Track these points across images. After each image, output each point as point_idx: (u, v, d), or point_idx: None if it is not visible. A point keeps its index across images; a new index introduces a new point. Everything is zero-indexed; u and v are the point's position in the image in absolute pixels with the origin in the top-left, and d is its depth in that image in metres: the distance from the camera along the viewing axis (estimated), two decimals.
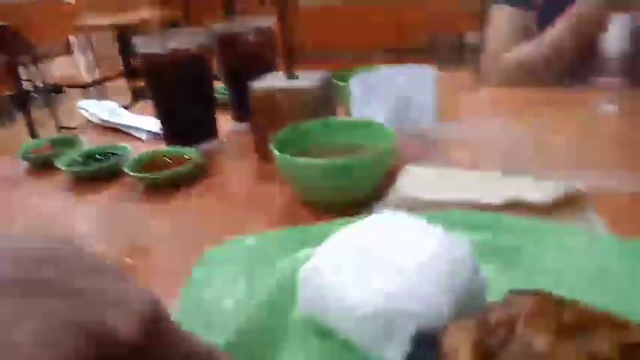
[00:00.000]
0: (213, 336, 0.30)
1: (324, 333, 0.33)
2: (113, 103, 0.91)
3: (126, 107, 0.93)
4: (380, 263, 0.31)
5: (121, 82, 2.86)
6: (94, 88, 2.90)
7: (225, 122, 0.79)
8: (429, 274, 0.30)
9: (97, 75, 3.03)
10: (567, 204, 0.45)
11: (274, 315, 0.34)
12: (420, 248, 0.31)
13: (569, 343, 0.25)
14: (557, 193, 0.44)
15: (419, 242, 0.32)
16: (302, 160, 0.50)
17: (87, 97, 2.87)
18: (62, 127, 2.62)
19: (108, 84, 2.96)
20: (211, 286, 0.37)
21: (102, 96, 2.92)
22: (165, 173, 0.61)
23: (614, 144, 0.63)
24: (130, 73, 2.72)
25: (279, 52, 0.68)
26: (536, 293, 0.27)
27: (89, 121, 0.89)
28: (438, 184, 0.52)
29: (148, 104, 0.99)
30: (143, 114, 0.86)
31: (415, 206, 0.43)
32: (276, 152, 0.51)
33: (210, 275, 0.37)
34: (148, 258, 0.49)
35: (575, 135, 0.65)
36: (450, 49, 1.78)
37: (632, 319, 0.25)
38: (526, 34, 0.94)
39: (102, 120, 0.85)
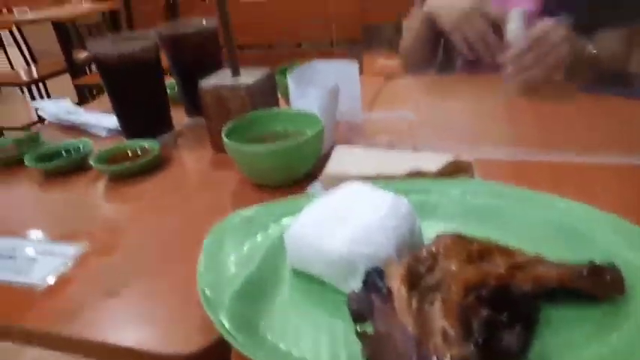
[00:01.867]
0: (226, 288, 0.40)
1: (307, 279, 0.43)
2: (68, 101, 0.97)
3: (79, 104, 0.98)
4: (345, 221, 0.43)
5: (63, 79, 2.80)
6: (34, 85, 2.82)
7: (180, 117, 0.87)
8: (382, 227, 0.42)
9: (34, 72, 2.94)
10: (456, 172, 0.58)
11: (269, 270, 0.44)
12: (375, 207, 0.43)
13: (474, 265, 0.37)
14: (443, 162, 0.57)
15: (374, 203, 0.44)
16: (247, 146, 0.61)
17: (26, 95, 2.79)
18: (4, 128, 2.55)
19: (49, 81, 2.89)
20: (221, 250, 0.46)
21: (43, 94, 2.85)
22: (129, 164, 0.69)
23: (505, 123, 0.77)
24: (74, 69, 2.67)
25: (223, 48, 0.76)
26: (453, 235, 0.40)
27: (40, 117, 0.94)
28: (361, 161, 0.64)
29: (100, 101, 1.05)
30: (97, 110, 0.93)
31: (344, 180, 0.55)
32: (225, 140, 0.61)
33: (220, 241, 0.47)
34: (122, 238, 0.58)
35: (474, 116, 0.79)
36: (384, 38, 1.90)
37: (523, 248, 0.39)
38: None
39: (59, 119, 0.91)
